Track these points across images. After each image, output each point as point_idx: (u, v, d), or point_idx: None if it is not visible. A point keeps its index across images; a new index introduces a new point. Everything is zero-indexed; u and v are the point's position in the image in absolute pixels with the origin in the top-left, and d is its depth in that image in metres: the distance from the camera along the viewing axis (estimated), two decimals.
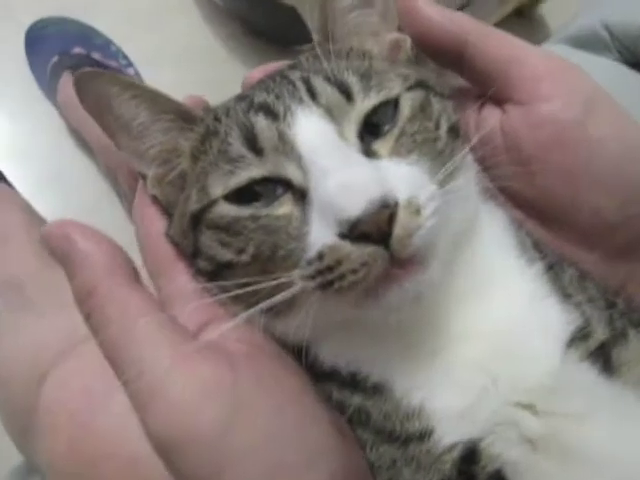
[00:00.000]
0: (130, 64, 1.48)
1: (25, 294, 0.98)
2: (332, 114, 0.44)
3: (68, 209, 1.39)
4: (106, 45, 1.47)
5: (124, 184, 1.30)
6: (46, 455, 0.70)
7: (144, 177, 0.50)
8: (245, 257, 0.43)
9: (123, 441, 0.50)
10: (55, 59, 1.39)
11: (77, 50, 1.40)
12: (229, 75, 1.51)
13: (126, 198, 1.35)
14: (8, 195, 1.26)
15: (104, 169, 1.40)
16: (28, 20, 1.45)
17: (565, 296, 0.47)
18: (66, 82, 1.35)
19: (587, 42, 0.95)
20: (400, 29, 0.52)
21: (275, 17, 1.39)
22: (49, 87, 1.41)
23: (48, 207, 1.34)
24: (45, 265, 0.90)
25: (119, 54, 1.48)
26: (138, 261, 0.47)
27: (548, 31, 1.72)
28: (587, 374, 0.44)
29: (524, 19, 1.71)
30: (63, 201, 1.41)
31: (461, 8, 1.42)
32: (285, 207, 0.43)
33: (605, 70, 0.87)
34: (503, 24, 1.60)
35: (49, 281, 0.88)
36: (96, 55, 1.42)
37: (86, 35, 1.45)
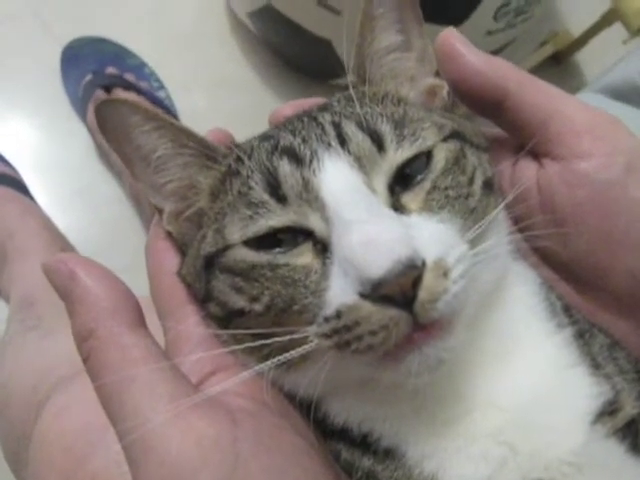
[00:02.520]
0: (162, 87, 1.49)
1: (36, 312, 0.97)
2: (361, 163, 0.41)
3: (90, 225, 1.39)
4: (140, 67, 1.48)
5: (148, 208, 1.30)
6: None
7: (160, 211, 0.48)
8: (258, 306, 0.41)
9: None
10: (88, 78, 1.40)
11: (110, 70, 1.41)
12: (260, 105, 1.51)
13: (149, 221, 1.34)
14: (31, 210, 1.26)
15: (129, 190, 1.40)
16: (65, 38, 1.46)
17: (594, 366, 0.44)
18: (96, 101, 1.36)
19: (625, 93, 0.93)
20: (438, 74, 0.50)
21: (310, 49, 1.39)
22: (81, 105, 1.42)
23: (70, 222, 1.36)
24: None
25: (152, 77, 1.49)
26: None
27: (583, 79, 1.71)
28: (613, 451, 0.42)
29: (560, 65, 1.69)
30: (85, 217, 1.40)
31: (497, 51, 1.41)
32: (305, 257, 0.40)
33: None
34: (539, 69, 1.59)
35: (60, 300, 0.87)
36: (129, 76, 1.42)
37: (120, 56, 1.46)
